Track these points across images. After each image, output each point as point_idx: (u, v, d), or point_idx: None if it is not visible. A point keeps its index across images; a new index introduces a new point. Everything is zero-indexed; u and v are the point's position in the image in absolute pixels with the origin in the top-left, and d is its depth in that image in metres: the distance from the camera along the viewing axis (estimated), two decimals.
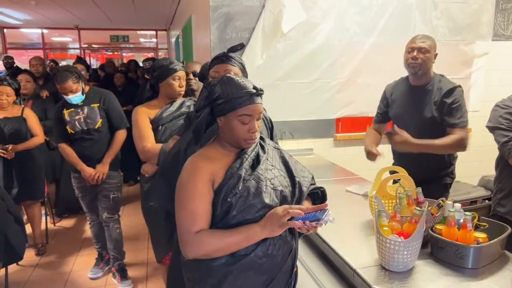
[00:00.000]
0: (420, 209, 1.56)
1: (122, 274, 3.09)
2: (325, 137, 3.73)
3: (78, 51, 10.63)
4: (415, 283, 1.41)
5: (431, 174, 2.41)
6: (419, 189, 1.83)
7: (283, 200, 1.32)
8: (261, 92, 1.34)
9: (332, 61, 3.58)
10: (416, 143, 2.21)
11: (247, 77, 1.74)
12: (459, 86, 2.33)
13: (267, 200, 1.26)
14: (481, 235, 1.54)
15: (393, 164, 2.65)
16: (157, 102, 2.33)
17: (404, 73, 2.61)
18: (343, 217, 2.11)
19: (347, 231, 1.93)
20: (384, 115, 2.67)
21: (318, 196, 1.55)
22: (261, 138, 1.46)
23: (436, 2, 3.68)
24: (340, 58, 3.59)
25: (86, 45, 11.19)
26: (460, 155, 2.54)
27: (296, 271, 1.47)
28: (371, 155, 2.52)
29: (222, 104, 1.28)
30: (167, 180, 1.62)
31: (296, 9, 3.33)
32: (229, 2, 3.30)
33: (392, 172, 2.19)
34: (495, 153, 2.20)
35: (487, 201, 3.73)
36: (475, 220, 1.62)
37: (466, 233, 1.51)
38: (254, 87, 1.31)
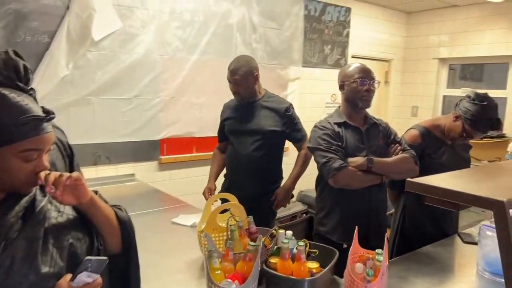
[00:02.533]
0: (254, 244, 1.39)
1: None
2: (148, 161, 3.36)
3: None
4: None
5: (266, 187, 2.50)
6: (251, 218, 1.69)
7: (72, 259, 0.93)
8: (53, 116, 0.93)
9: (153, 77, 3.27)
10: (291, 182, 2.52)
11: None
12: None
13: (44, 269, 0.85)
14: (314, 265, 1.47)
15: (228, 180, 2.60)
16: None
17: (230, 95, 2.56)
18: (170, 255, 1.82)
19: (174, 274, 1.64)
20: (222, 133, 2.65)
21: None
22: None
23: (255, 25, 3.79)
24: (162, 74, 3.31)
25: None
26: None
27: None
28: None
29: None
30: None
31: (109, 16, 2.91)
32: None
33: (224, 200, 2.01)
34: (312, 169, 2.27)
35: (304, 215, 3.99)
36: (307, 248, 1.56)
37: (301, 265, 1.41)
38: (44, 110, 0.90)
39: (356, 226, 1.53)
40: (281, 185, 2.55)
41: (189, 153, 3.56)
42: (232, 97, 2.55)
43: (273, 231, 1.60)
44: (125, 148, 3.22)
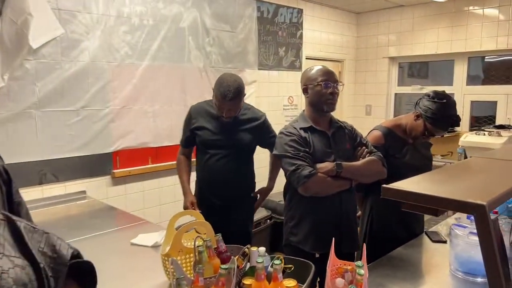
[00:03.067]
0: (226, 267, 1.27)
1: None
2: (100, 176, 3.12)
3: None
4: None
5: (244, 191, 2.52)
6: (219, 236, 1.56)
7: None
8: None
9: (102, 86, 3.04)
10: (273, 184, 2.64)
11: None
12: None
13: None
14: (291, 284, 1.37)
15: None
16: None
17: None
18: (132, 281, 1.66)
19: None
20: (190, 140, 2.51)
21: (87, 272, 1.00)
22: None
23: (207, 29, 3.66)
24: (111, 82, 3.09)
25: None
26: None
27: None
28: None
29: None
30: None
31: (48, 21, 2.66)
32: None
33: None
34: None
35: (269, 220, 3.91)
36: (282, 264, 1.46)
37: (278, 285, 1.30)
38: None
39: (333, 238, 1.45)
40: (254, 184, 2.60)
41: (145, 165, 3.36)
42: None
43: (246, 249, 1.49)
44: (73, 164, 2.96)
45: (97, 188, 3.10)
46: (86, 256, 0.90)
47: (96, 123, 3.05)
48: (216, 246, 1.57)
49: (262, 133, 2.49)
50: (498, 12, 4.28)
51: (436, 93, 2.10)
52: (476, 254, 1.62)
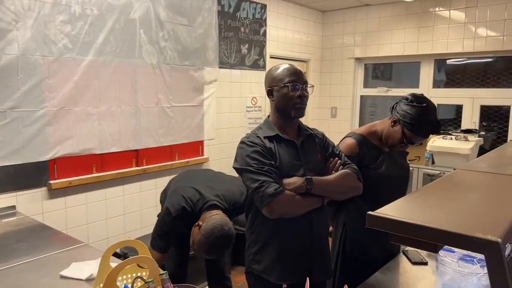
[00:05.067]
0: None
1: None
2: (34, 188, 2.69)
3: None
4: None
5: None
6: (165, 275, 1.25)
7: None
8: None
9: (35, 84, 2.62)
10: None
11: None
12: None
13: None
14: None
15: None
16: None
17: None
18: None
19: None
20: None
21: None
22: None
23: (162, 21, 3.30)
24: (47, 80, 2.67)
25: None
26: None
27: None
28: None
29: None
30: None
31: None
32: None
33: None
34: None
35: None
36: None
37: None
38: None
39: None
40: None
41: (88, 174, 2.95)
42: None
43: None
44: (0, 174, 2.52)
45: (30, 203, 2.67)
46: None
47: (29, 127, 2.62)
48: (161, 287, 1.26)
49: None
50: (464, 14, 4.21)
51: (415, 97, 1.88)
52: (467, 286, 1.40)
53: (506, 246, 1.33)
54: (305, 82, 1.68)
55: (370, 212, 1.02)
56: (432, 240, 0.96)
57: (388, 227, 1.01)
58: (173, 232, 2.16)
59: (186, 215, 2.06)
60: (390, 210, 1.05)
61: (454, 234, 0.91)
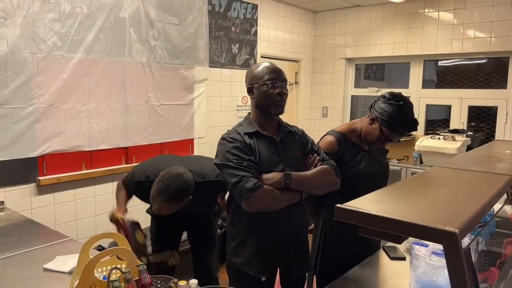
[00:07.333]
0: None
1: None
2: (23, 184, 2.72)
3: None
4: None
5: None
6: (142, 266, 1.28)
7: None
8: None
9: (24, 80, 2.64)
10: None
11: None
12: None
13: None
14: None
15: None
16: None
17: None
18: None
19: None
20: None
21: None
22: None
23: (152, 20, 3.33)
24: (36, 77, 2.70)
25: None
26: None
27: None
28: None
29: None
30: None
31: None
32: None
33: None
34: None
35: (219, 230, 3.63)
36: None
37: None
38: None
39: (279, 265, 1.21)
40: None
41: (77, 171, 2.98)
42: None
43: (172, 284, 1.22)
44: None
45: (18, 198, 2.70)
46: None
47: (17, 124, 2.64)
48: (138, 278, 1.29)
49: None
50: (452, 16, 4.26)
51: (393, 95, 1.92)
52: (439, 279, 1.44)
53: (468, 238, 1.38)
54: (285, 80, 1.71)
55: (338, 205, 1.05)
56: (395, 231, 1.00)
57: (355, 219, 1.05)
58: (133, 192, 2.29)
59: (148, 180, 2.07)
60: (358, 203, 1.09)
61: (414, 225, 0.95)
